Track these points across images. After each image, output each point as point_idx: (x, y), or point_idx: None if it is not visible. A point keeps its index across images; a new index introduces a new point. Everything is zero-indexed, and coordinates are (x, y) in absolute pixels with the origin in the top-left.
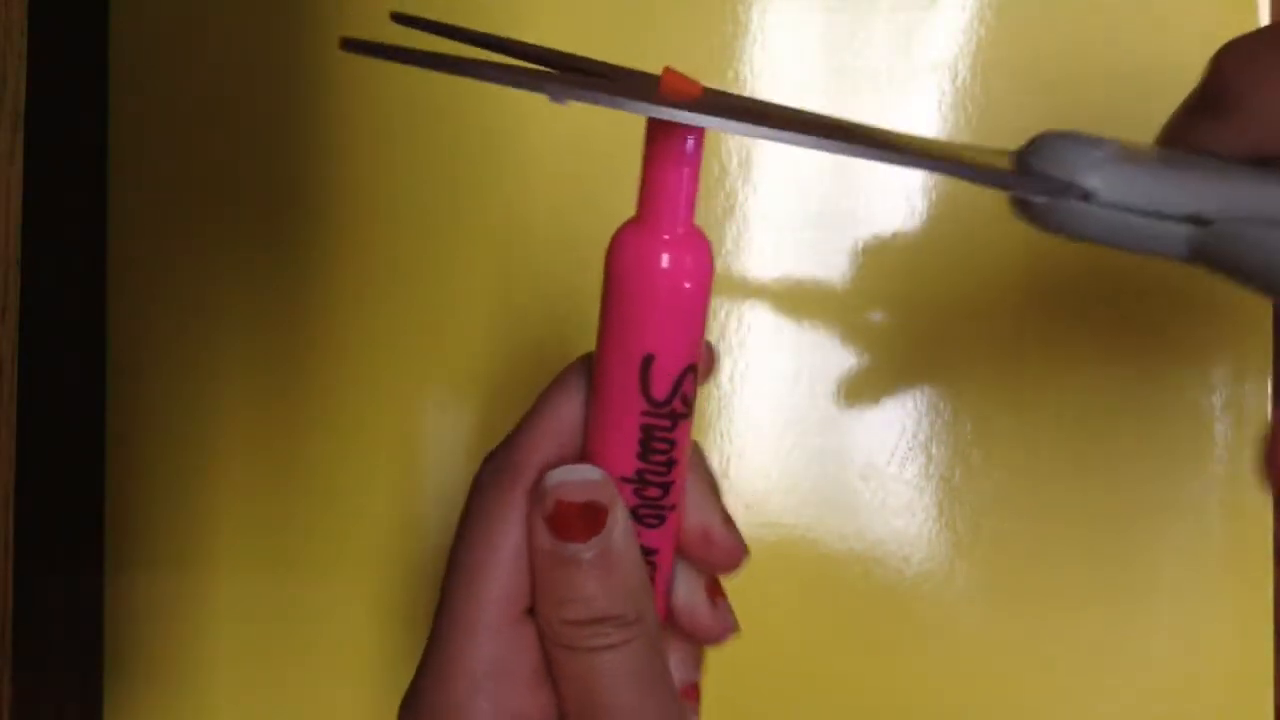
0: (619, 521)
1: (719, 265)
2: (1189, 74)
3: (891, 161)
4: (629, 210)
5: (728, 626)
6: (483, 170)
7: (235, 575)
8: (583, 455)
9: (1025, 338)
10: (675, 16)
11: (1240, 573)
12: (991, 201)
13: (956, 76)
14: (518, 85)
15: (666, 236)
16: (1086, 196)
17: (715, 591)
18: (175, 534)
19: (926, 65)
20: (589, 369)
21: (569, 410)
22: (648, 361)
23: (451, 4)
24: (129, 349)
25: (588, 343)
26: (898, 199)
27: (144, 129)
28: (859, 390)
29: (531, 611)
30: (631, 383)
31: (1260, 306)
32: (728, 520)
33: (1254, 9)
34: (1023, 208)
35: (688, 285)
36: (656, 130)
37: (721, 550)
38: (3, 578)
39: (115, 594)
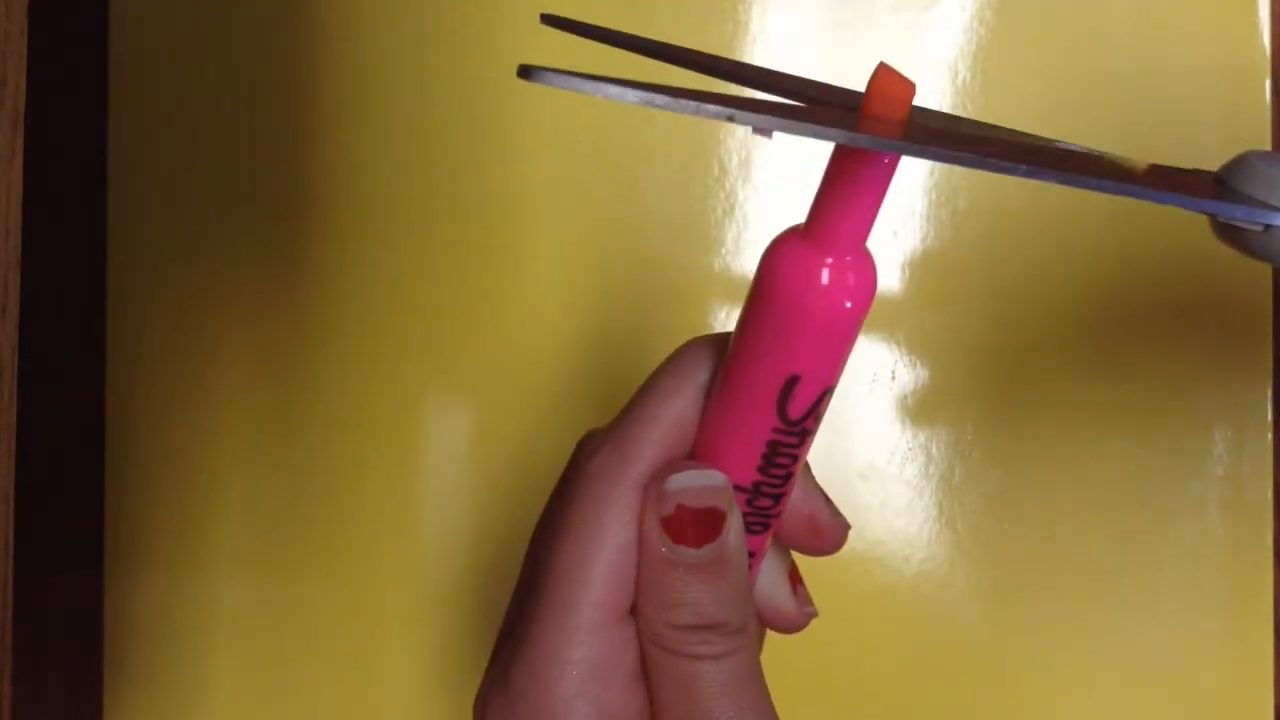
0: (734, 529)
1: (719, 265)
2: (1189, 73)
3: (1090, 188)
4: (630, 210)
5: (809, 613)
6: (484, 170)
7: (235, 576)
8: (695, 452)
9: (1025, 338)
10: (675, 16)
11: (1240, 573)
12: (991, 205)
13: (956, 76)
14: (714, 115)
15: (837, 258)
16: None
17: (796, 580)
18: (175, 534)
19: (926, 65)
20: (709, 356)
21: (686, 400)
22: (792, 382)
23: (443, 2)
24: (129, 349)
25: (590, 342)
26: (898, 199)
27: (144, 129)
28: (859, 390)
29: (633, 610)
30: (769, 400)
31: (1261, 309)
32: (830, 503)
33: (1254, 9)
34: (1227, 233)
35: (849, 305)
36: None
37: (830, 535)
38: (3, 578)
39: (115, 594)
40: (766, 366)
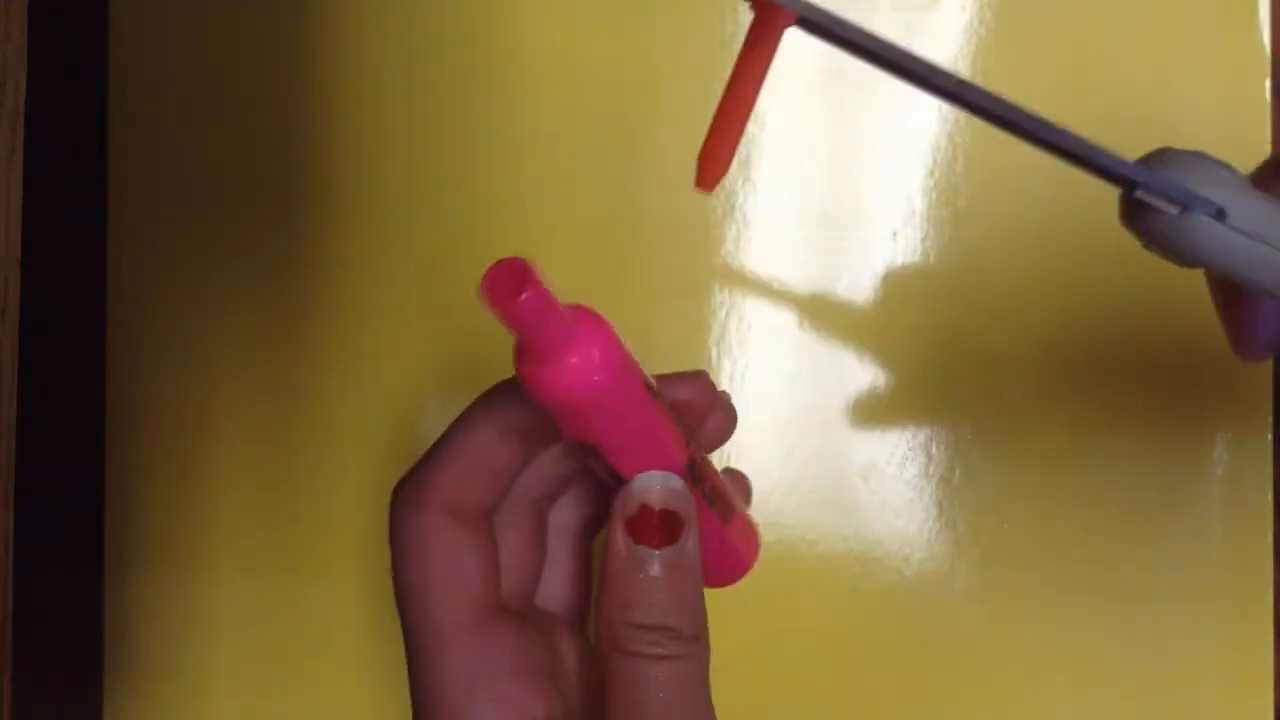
0: (692, 537)
1: (720, 264)
2: (1189, 73)
3: (1025, 137)
4: (630, 209)
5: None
6: (485, 171)
7: (235, 575)
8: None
9: (1024, 339)
10: (675, 16)
11: (1240, 573)
12: (991, 204)
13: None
14: None
15: (565, 356)
16: (1220, 214)
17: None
18: (175, 534)
19: None
20: (506, 395)
21: (485, 433)
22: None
23: (442, 5)
24: (129, 349)
25: None
26: (898, 198)
27: (144, 129)
28: (859, 390)
29: (501, 609)
30: (665, 457)
31: None
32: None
33: (1254, 9)
34: (1137, 217)
35: (597, 379)
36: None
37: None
38: (3, 578)
39: (115, 594)
40: (621, 460)
